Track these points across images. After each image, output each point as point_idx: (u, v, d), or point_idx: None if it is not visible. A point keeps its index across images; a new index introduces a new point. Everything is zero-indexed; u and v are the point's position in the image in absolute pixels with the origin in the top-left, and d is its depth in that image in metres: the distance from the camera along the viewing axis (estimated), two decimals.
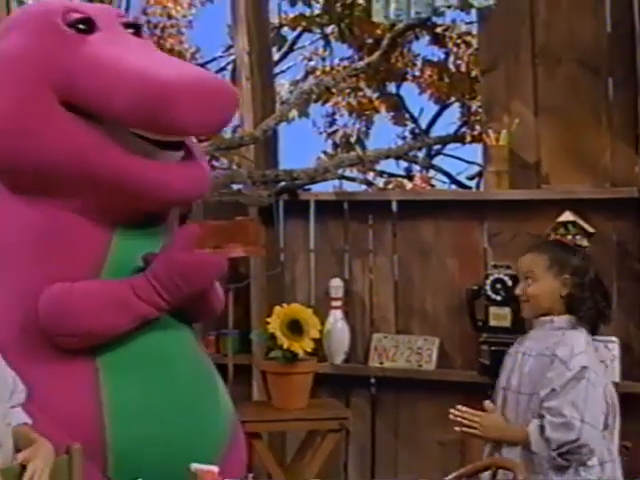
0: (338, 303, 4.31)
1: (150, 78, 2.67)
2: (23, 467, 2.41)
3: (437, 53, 5.80)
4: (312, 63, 6.11)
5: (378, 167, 5.74)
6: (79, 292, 2.81)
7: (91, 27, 2.87)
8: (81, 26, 2.85)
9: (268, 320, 3.68)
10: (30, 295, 2.82)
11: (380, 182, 5.87)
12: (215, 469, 2.49)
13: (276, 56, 5.64)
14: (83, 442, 2.61)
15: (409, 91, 5.94)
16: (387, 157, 5.25)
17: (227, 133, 5.03)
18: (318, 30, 5.85)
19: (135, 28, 3.01)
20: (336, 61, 5.90)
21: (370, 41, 5.39)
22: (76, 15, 2.87)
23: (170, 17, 5.79)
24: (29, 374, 2.73)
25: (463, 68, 5.67)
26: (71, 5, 2.97)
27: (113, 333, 2.82)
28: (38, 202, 2.83)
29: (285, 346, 3.61)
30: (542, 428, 2.86)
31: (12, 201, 2.90)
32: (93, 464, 2.75)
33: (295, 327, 3.65)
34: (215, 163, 5.23)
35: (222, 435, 3.03)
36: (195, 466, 2.50)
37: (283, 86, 5.97)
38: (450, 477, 2.85)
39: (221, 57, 6.01)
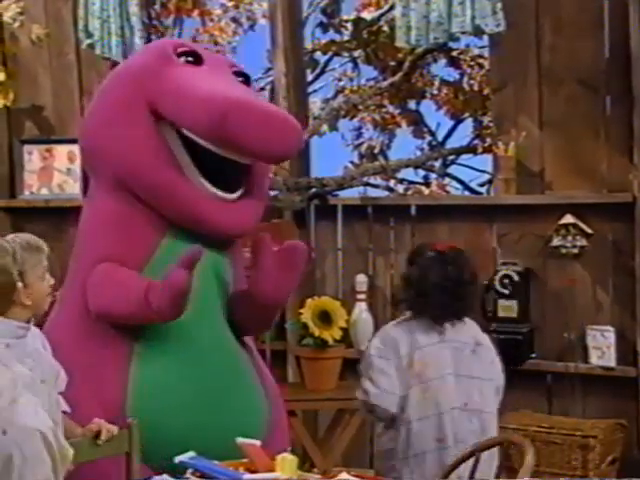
0: (363, 296, 4.29)
1: (217, 97, 2.71)
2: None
3: (453, 74, 5.78)
4: (341, 83, 6.10)
5: (399, 175, 5.72)
6: (115, 277, 2.81)
7: (199, 60, 2.93)
8: (189, 58, 2.92)
9: (301, 311, 3.69)
10: (86, 273, 2.85)
11: (400, 188, 5.85)
12: (257, 443, 2.47)
13: (309, 77, 5.64)
14: (108, 412, 2.63)
15: (427, 108, 5.92)
16: (407, 166, 5.24)
17: None
18: (347, 54, 5.85)
19: (245, 77, 3.02)
20: (363, 81, 5.89)
21: (393, 63, 5.37)
22: (184, 48, 2.96)
23: (217, 44, 5.81)
24: (80, 347, 2.80)
25: (476, 87, 5.65)
26: (185, 42, 3.14)
27: (131, 321, 2.80)
28: (114, 194, 2.89)
29: (316, 334, 3.61)
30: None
31: (96, 189, 2.97)
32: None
33: (325, 317, 3.66)
34: None
35: (256, 416, 2.94)
36: (240, 440, 2.50)
37: (315, 104, 5.97)
38: (466, 451, 2.83)
39: (261, 78, 6.02)
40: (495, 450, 2.94)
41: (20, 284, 2.32)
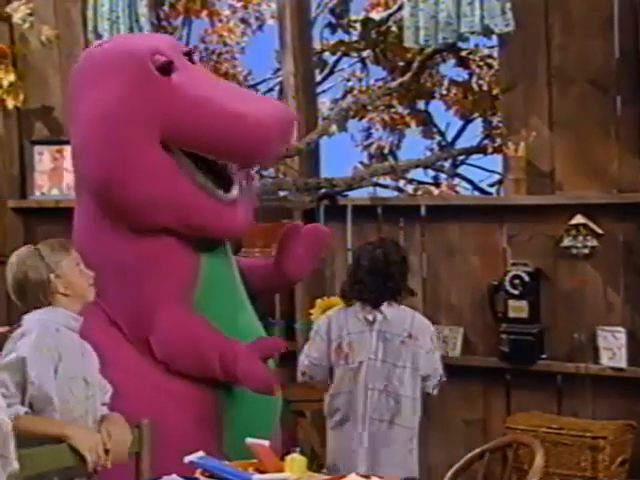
0: None
1: (251, 120, 2.72)
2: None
3: (462, 74, 5.75)
4: (350, 84, 6.09)
5: (408, 176, 5.71)
6: (189, 337, 2.90)
7: (171, 68, 2.86)
8: (165, 68, 2.84)
9: (310, 311, 3.69)
10: (135, 313, 2.92)
11: (410, 189, 5.83)
12: (266, 443, 2.49)
13: (318, 78, 5.63)
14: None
15: (437, 108, 5.90)
16: (417, 167, 5.24)
17: None
18: (355, 54, 5.84)
19: (188, 55, 3.02)
20: (372, 82, 5.87)
21: (402, 64, 5.35)
22: (162, 59, 2.82)
23: (225, 44, 5.83)
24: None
25: (485, 87, 5.62)
26: (154, 46, 2.89)
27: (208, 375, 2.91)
28: (138, 234, 2.88)
29: None
30: None
31: (116, 235, 2.94)
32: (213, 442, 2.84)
33: None
34: (264, 172, 5.24)
35: (278, 411, 3.16)
36: (249, 440, 2.50)
37: (324, 104, 5.96)
38: (476, 452, 2.83)
39: (270, 79, 6.03)
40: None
41: (52, 275, 2.50)
